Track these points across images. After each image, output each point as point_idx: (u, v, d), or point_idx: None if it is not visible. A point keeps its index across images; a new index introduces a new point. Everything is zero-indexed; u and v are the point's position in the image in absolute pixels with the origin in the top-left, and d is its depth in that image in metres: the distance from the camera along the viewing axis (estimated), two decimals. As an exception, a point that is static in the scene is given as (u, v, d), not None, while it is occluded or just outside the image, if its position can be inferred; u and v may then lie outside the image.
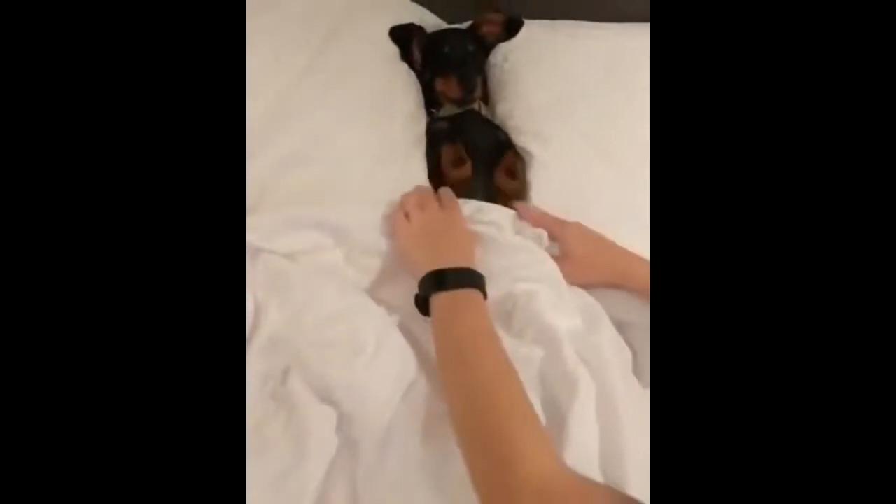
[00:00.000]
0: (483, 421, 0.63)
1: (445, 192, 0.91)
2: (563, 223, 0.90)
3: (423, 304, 0.77)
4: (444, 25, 1.23)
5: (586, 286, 0.86)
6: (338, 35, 1.11)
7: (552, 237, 0.89)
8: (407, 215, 0.85)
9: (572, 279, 0.86)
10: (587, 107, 1.12)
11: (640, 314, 0.82)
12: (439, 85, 1.12)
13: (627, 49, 1.17)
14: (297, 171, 0.95)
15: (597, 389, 0.71)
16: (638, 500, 0.52)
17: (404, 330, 0.79)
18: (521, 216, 0.91)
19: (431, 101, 1.14)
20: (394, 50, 1.15)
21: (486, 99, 1.20)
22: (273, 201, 0.91)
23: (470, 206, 0.90)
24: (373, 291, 0.84)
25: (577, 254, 0.87)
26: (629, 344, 0.82)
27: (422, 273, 0.78)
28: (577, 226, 0.90)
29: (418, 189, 0.93)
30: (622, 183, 1.04)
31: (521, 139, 1.11)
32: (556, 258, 0.86)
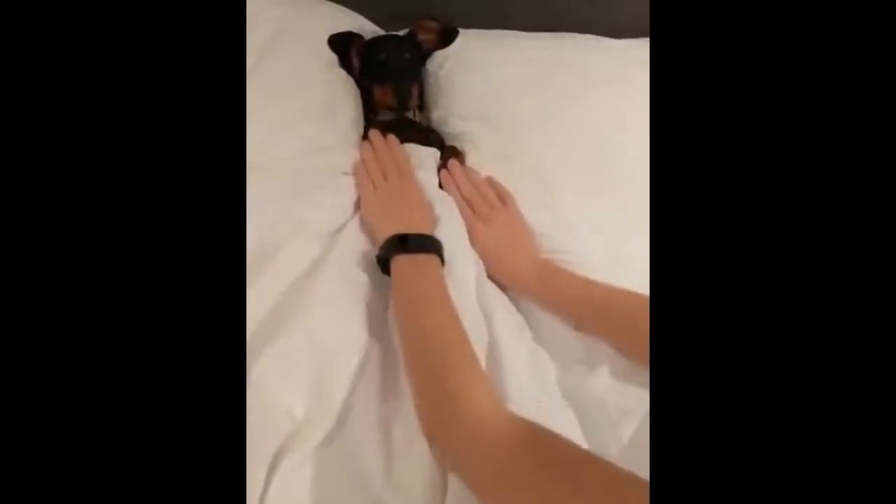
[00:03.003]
0: (433, 364, 0.71)
1: (404, 158, 1.05)
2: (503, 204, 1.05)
3: (384, 263, 0.87)
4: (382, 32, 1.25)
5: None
6: (278, 43, 1.13)
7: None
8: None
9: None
10: (517, 114, 1.16)
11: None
12: (377, 93, 1.15)
13: (557, 58, 1.22)
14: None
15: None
16: (568, 440, 0.60)
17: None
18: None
19: (369, 107, 1.17)
20: (334, 58, 1.16)
21: (422, 106, 1.22)
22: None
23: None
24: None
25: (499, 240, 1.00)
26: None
27: (385, 235, 0.87)
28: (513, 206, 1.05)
29: (380, 151, 1.05)
30: (546, 190, 1.09)
31: (454, 144, 1.15)
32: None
